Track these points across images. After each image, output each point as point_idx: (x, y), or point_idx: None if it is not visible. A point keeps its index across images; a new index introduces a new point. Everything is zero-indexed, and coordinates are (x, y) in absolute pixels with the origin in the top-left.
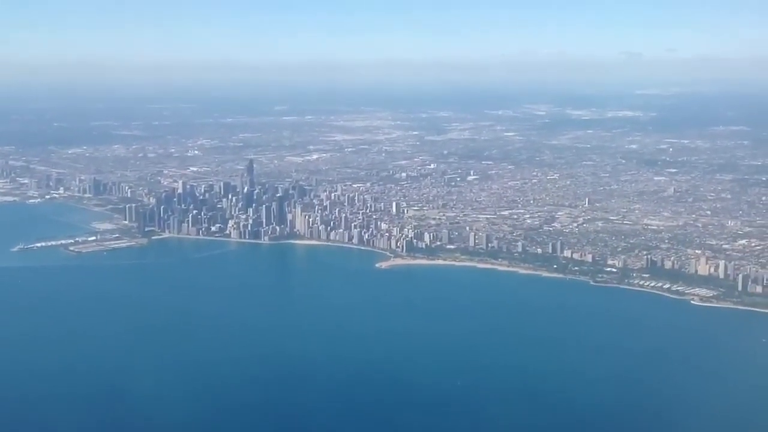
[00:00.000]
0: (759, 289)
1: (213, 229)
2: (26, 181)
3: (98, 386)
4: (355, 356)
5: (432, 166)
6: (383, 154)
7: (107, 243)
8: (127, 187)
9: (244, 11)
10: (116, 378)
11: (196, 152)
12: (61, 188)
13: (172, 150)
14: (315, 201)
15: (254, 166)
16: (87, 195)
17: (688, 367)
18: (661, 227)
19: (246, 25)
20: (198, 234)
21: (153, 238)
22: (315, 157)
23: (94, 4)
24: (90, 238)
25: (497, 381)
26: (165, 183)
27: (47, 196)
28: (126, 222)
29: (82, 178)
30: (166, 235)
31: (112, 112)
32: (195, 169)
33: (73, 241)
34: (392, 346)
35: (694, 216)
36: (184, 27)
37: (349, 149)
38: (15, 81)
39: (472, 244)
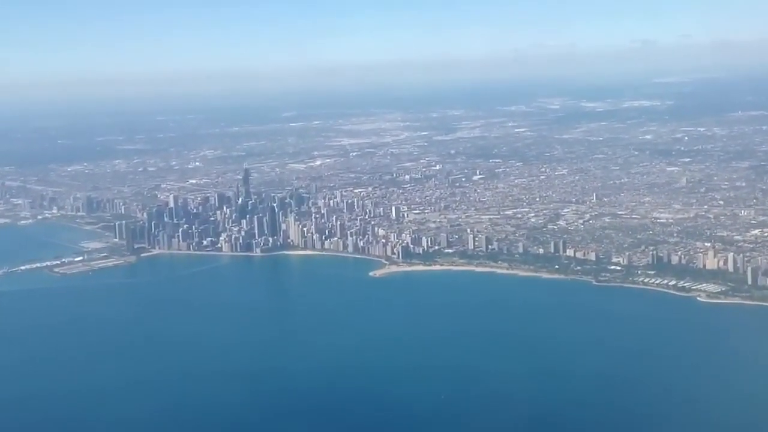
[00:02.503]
0: None
1: (204, 243)
2: (20, 202)
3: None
4: (329, 371)
5: (437, 167)
6: (389, 157)
7: (94, 263)
8: (121, 204)
9: (248, 19)
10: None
11: (198, 164)
12: (55, 208)
13: (173, 162)
14: (312, 209)
15: (251, 175)
16: (80, 213)
17: (690, 370)
18: (671, 220)
19: (252, 33)
20: (189, 249)
21: (142, 255)
22: (318, 163)
23: (98, 19)
24: (77, 259)
25: (472, 391)
26: (162, 197)
27: (39, 217)
28: (116, 240)
29: (77, 196)
30: (156, 251)
31: (117, 127)
32: (194, 181)
33: (59, 262)
34: (368, 361)
35: (705, 207)
36: (189, 38)
37: (354, 153)
38: (18, 99)
39: (472, 247)
